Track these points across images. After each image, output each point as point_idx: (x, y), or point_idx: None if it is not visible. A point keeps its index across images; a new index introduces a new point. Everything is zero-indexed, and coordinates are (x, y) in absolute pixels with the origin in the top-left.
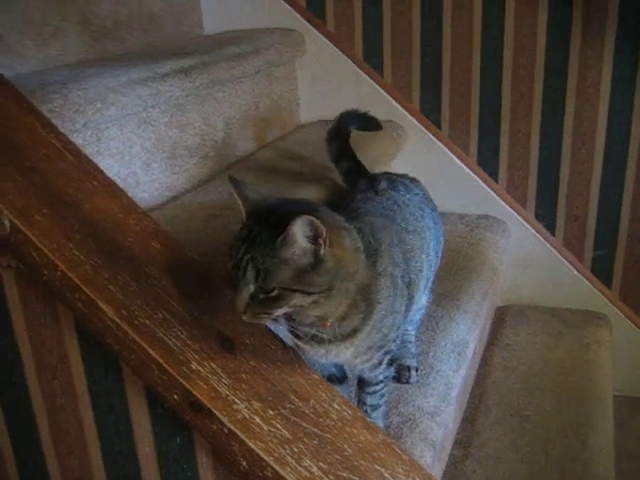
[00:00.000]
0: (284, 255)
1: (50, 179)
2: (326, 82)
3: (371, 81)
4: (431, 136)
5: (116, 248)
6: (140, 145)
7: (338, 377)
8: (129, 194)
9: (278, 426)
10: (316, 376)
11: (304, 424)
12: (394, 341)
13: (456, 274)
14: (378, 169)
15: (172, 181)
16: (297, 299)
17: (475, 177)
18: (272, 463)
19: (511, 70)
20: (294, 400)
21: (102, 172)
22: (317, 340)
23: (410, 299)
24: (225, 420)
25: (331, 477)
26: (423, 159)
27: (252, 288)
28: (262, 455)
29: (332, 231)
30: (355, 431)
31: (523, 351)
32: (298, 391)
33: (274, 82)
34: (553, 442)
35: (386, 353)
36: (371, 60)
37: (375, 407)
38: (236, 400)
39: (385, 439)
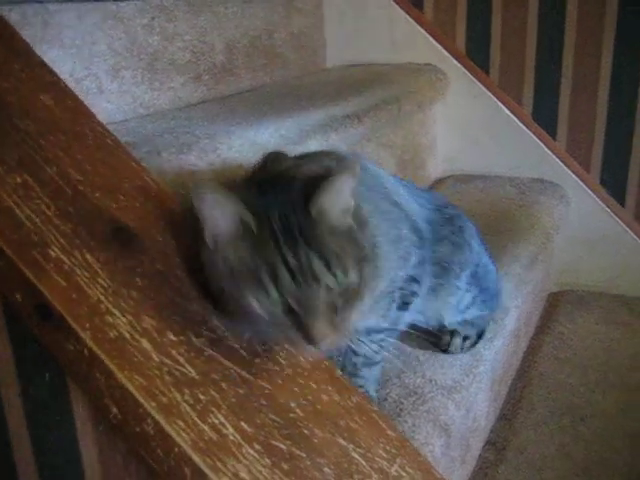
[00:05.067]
0: (329, 223)
1: None
2: (357, 19)
3: (408, 17)
4: (478, 83)
5: None
6: (107, 44)
7: None
8: (86, 100)
9: (180, 359)
10: None
11: (226, 362)
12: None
13: (500, 235)
14: (410, 110)
15: (150, 98)
16: (369, 272)
17: (529, 133)
18: (153, 412)
19: (577, 2)
20: (217, 327)
21: None
22: None
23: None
24: (85, 336)
25: (256, 446)
26: (467, 110)
27: (326, 289)
28: (138, 397)
29: None
30: (313, 385)
31: (581, 342)
32: None
33: (294, 13)
34: (616, 452)
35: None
36: None
37: (368, 361)
38: (114, 310)
39: (362, 403)
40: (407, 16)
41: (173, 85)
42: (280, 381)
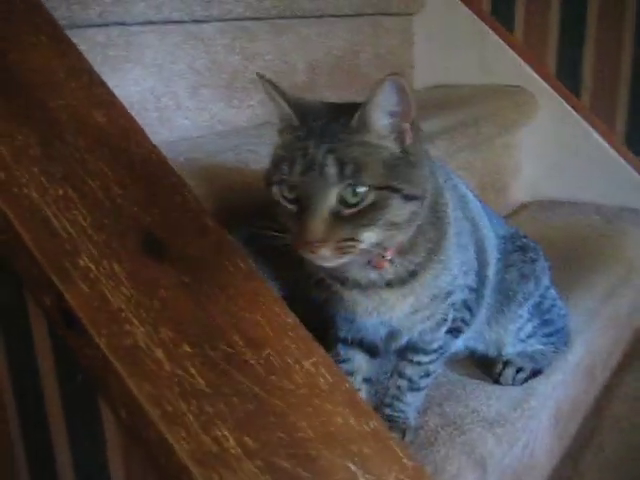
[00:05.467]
0: (368, 138)
1: None
2: (446, 40)
3: (498, 38)
4: (567, 106)
5: (33, 106)
6: (186, 63)
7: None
8: (163, 116)
9: (192, 370)
10: (290, 320)
11: (240, 377)
12: (462, 290)
13: (577, 264)
14: (491, 133)
15: (228, 116)
16: (395, 206)
17: (620, 159)
18: (156, 419)
19: None
20: (236, 342)
21: (56, 27)
22: (366, 286)
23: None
24: (101, 342)
25: (258, 462)
26: (556, 133)
27: (335, 194)
28: (144, 404)
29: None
30: (329, 407)
31: None
32: (248, 332)
33: (382, 33)
34: None
35: (452, 305)
36: (500, 14)
37: (413, 386)
38: (133, 320)
39: (379, 429)
40: (497, 37)
41: (252, 103)
42: (294, 400)
